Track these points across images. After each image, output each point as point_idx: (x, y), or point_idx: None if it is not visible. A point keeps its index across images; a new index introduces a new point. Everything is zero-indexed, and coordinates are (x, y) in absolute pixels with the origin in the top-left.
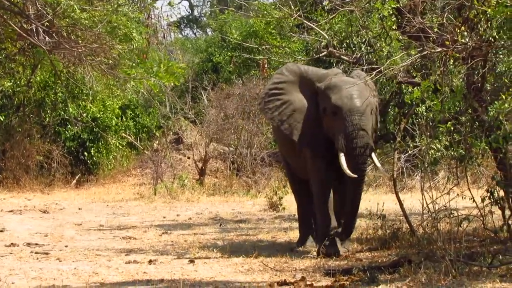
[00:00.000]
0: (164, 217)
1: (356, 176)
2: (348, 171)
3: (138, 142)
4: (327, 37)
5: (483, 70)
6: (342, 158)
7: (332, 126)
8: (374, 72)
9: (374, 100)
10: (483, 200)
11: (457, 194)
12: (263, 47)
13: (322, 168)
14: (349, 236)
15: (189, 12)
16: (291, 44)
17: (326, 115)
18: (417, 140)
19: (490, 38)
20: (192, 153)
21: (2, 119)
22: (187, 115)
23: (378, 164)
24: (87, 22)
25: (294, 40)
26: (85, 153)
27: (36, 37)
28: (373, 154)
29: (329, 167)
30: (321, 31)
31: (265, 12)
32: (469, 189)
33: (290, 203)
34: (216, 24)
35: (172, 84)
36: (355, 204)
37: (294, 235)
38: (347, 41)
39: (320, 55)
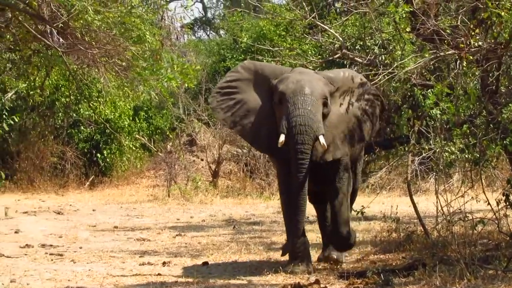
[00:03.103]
0: (178, 219)
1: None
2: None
3: (152, 143)
4: (340, 39)
5: (498, 73)
6: (282, 137)
7: (280, 116)
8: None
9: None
10: (498, 203)
11: (472, 197)
12: (275, 49)
13: (284, 172)
14: (342, 248)
15: (202, 14)
16: (302, 46)
17: (275, 107)
18: (431, 142)
19: (503, 41)
20: (206, 155)
21: (16, 120)
22: (200, 116)
23: (324, 142)
24: (101, 23)
25: (306, 42)
26: (98, 155)
27: (50, 39)
28: (321, 137)
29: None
30: (334, 33)
31: (277, 13)
32: (483, 192)
33: None
34: (227, 26)
35: (186, 85)
36: (335, 208)
37: (307, 237)
38: (361, 43)
39: (334, 57)
